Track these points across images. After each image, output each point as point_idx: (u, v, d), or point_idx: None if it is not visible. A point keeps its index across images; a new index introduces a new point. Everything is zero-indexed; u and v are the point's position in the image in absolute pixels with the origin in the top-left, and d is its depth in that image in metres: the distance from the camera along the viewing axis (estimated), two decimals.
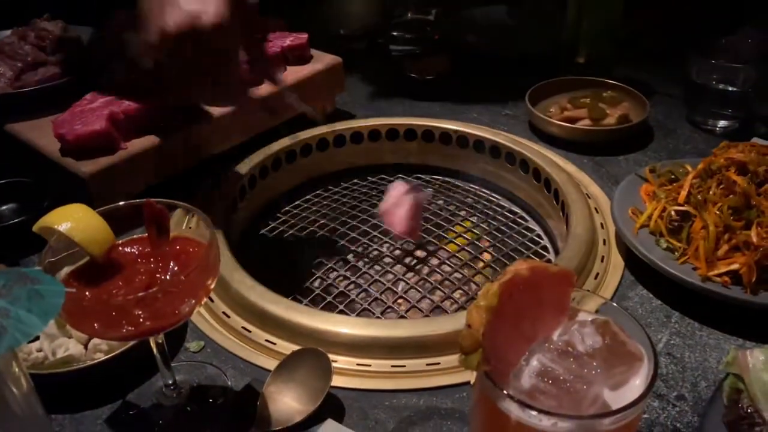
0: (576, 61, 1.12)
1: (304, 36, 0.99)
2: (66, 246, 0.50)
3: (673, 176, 0.77)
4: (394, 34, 1.16)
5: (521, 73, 1.12)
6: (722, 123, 0.97)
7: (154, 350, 0.53)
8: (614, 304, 0.46)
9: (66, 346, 0.60)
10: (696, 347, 0.62)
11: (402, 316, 0.72)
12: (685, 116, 1.00)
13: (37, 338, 0.61)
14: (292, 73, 0.96)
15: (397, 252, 0.82)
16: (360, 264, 0.80)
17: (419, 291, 0.75)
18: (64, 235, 0.49)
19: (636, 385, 0.43)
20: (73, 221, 0.50)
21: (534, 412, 0.39)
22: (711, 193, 0.68)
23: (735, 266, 0.64)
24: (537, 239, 0.85)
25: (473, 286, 0.76)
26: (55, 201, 0.75)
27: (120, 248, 0.52)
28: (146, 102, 0.81)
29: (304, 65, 0.98)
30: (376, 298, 0.74)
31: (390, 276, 0.78)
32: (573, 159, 0.92)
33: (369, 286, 0.76)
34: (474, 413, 0.49)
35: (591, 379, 0.42)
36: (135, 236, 0.53)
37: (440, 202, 0.93)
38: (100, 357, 0.59)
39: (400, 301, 0.74)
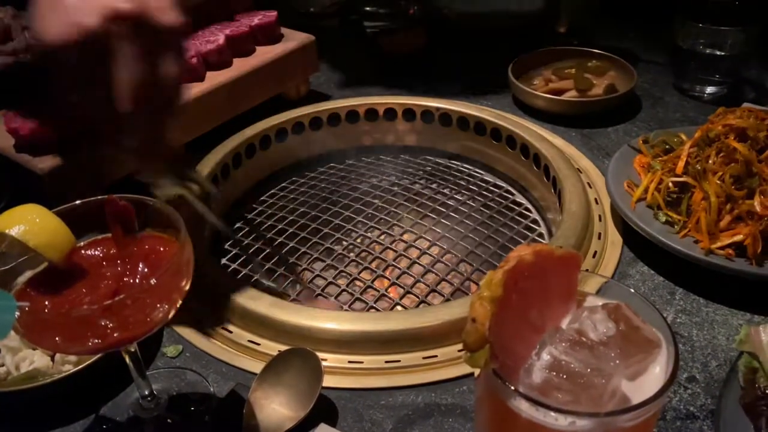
0: (557, 31, 1.08)
1: (273, 14, 0.94)
2: (20, 252, 0.45)
3: (667, 146, 0.74)
4: (367, 9, 1.10)
5: (502, 45, 1.08)
6: (710, 89, 0.94)
7: (127, 360, 0.49)
8: (630, 289, 0.43)
9: (30, 359, 0.55)
10: (703, 324, 0.59)
11: (397, 304, 0.68)
12: (672, 83, 0.97)
13: None
14: (263, 54, 0.91)
15: (384, 237, 0.78)
16: (346, 252, 0.76)
17: (411, 276, 0.71)
18: (17, 240, 0.44)
19: (656, 373, 0.39)
20: (27, 224, 0.44)
21: (551, 412, 0.35)
22: (710, 162, 0.65)
23: (739, 237, 0.61)
24: (526, 213, 0.82)
25: (467, 266, 0.73)
26: (13, 201, 0.70)
27: (82, 251, 0.47)
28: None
29: (274, 45, 0.93)
30: (368, 287, 0.70)
31: (379, 262, 0.74)
32: (560, 132, 0.88)
33: (359, 274, 0.72)
34: (479, 411, 0.45)
35: (608, 370, 0.38)
36: (98, 237, 0.49)
37: (422, 181, 0.89)
38: (69, 369, 0.54)
39: (392, 288, 0.70)
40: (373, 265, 0.73)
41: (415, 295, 0.69)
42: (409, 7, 1.11)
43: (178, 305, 0.46)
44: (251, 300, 0.61)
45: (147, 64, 0.49)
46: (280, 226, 0.82)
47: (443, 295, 0.68)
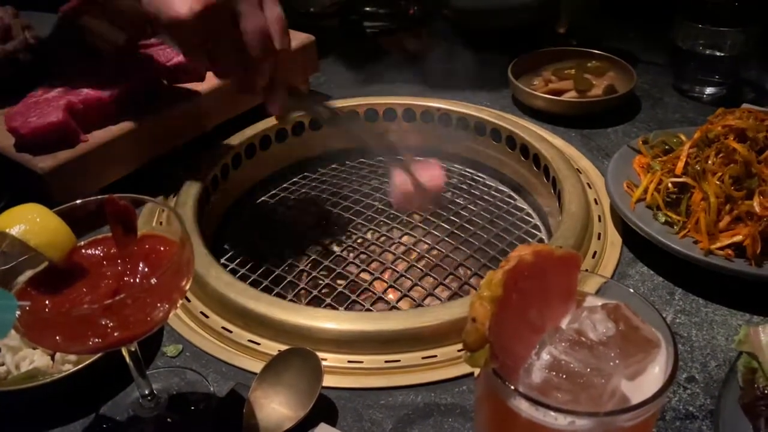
0: (557, 32, 1.08)
1: None
2: (21, 251, 0.45)
3: (667, 147, 0.74)
4: (367, 9, 1.11)
5: (501, 46, 1.08)
6: (709, 90, 0.94)
7: (127, 359, 0.49)
8: (629, 289, 0.43)
9: (31, 359, 0.56)
10: (702, 325, 0.59)
11: (394, 307, 0.68)
12: (671, 84, 0.97)
13: None
14: None
15: (383, 239, 0.78)
16: (345, 254, 0.76)
17: (410, 279, 0.71)
18: (18, 240, 0.44)
19: (655, 373, 0.39)
20: (28, 223, 0.45)
21: (551, 411, 0.35)
22: (710, 162, 0.65)
23: (738, 238, 0.62)
24: (527, 218, 0.82)
25: (466, 270, 0.73)
26: (13, 200, 0.70)
27: (82, 251, 0.47)
28: (105, 90, 0.75)
29: None
30: (365, 289, 0.70)
31: (378, 264, 0.74)
32: (560, 133, 0.88)
33: (357, 276, 0.72)
34: (479, 411, 0.45)
35: (608, 370, 0.38)
36: (99, 236, 0.49)
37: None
38: (69, 368, 0.54)
39: (390, 290, 0.70)
40: (372, 267, 0.73)
41: (412, 299, 0.69)
42: (409, 7, 1.12)
43: (178, 305, 0.47)
44: (251, 300, 0.61)
45: (262, 12, 0.60)
46: (279, 226, 0.82)
47: (440, 300, 0.68)
